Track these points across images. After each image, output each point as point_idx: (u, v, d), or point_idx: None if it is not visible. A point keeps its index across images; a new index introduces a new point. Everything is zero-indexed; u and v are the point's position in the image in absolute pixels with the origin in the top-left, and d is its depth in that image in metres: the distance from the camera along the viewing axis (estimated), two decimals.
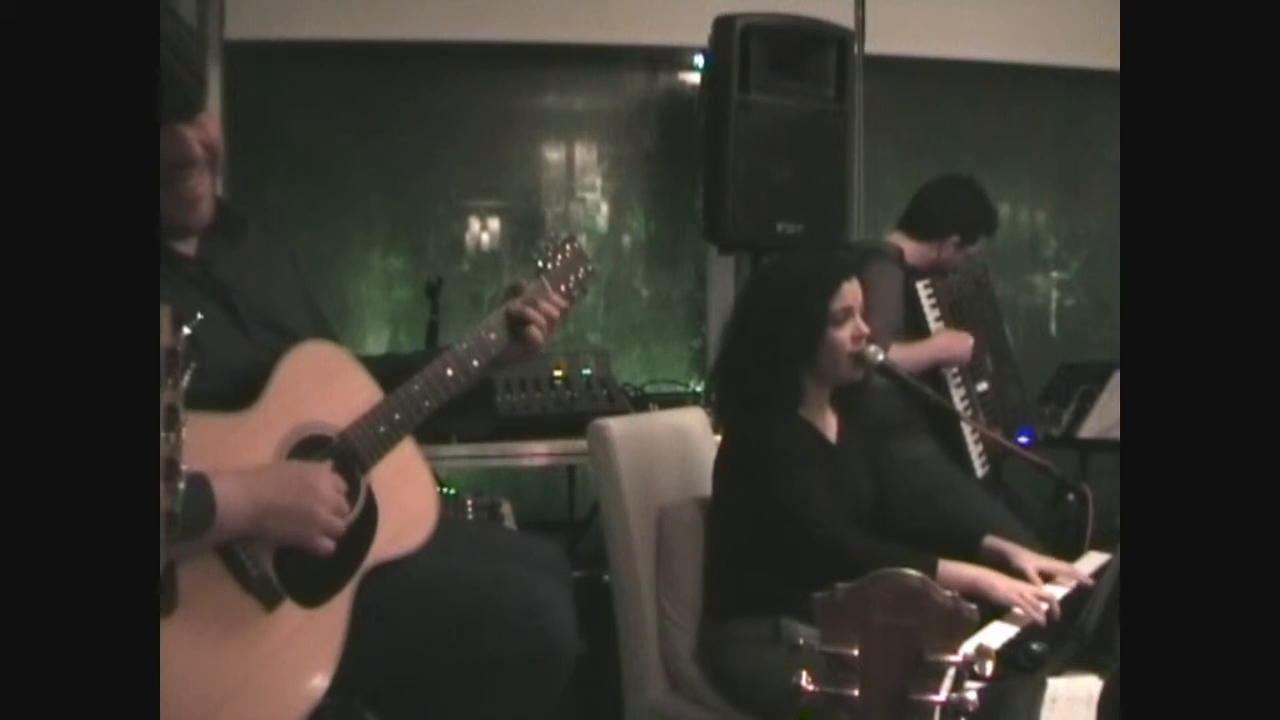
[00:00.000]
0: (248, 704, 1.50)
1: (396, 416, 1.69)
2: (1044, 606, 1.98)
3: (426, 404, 1.72)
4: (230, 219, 1.73)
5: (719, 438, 2.38)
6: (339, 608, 1.60)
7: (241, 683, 1.50)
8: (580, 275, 1.93)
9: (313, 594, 1.59)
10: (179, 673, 1.44)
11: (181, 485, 0.88)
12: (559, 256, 1.91)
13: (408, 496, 1.73)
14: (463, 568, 1.76)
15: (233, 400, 1.58)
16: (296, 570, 1.57)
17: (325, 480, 1.59)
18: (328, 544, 1.57)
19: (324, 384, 1.68)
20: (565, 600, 1.76)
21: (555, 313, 1.85)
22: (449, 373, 1.75)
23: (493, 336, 1.82)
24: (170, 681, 1.25)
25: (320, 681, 1.55)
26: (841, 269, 2.24)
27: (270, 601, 1.54)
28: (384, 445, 1.68)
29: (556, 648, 1.70)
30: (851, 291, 2.21)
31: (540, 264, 1.90)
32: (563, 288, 1.90)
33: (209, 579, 1.51)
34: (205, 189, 1.62)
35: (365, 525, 1.65)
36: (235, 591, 1.52)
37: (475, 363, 1.79)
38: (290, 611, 1.56)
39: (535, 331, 1.83)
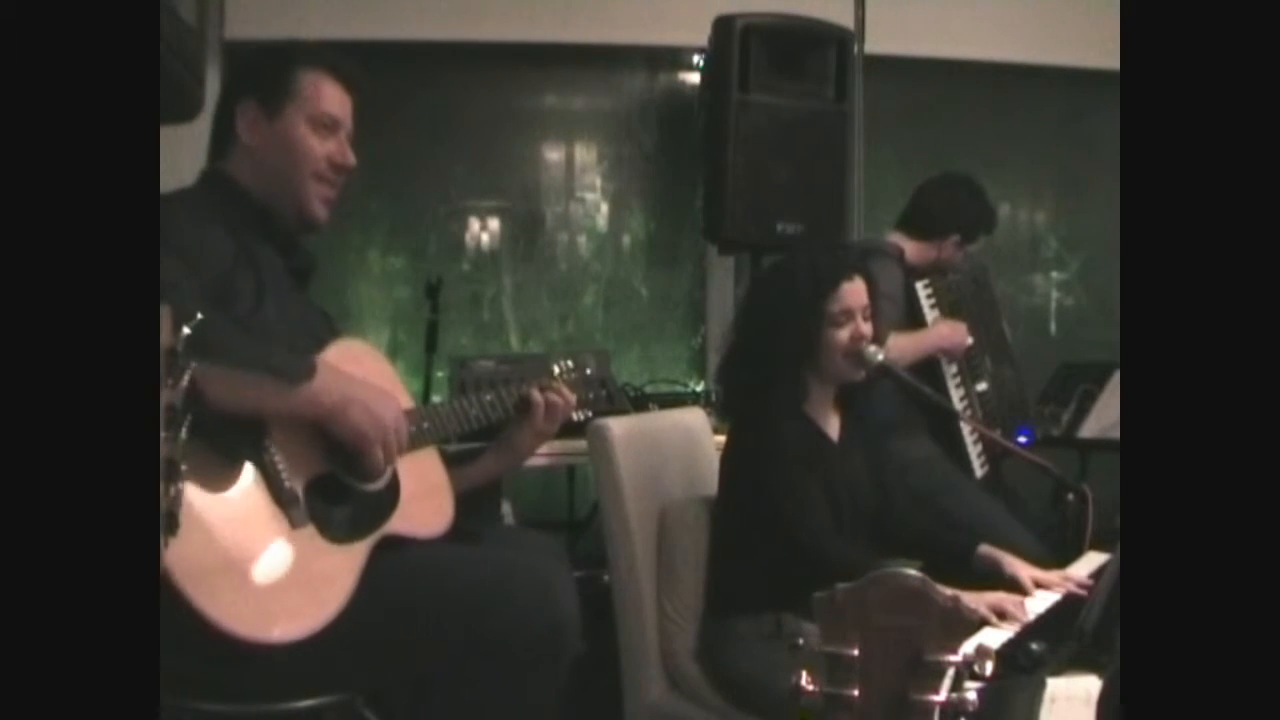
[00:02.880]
0: (257, 595, 1.58)
1: (425, 425, 1.87)
2: (1013, 610, 1.97)
3: (452, 426, 1.92)
4: (310, 261, 1.96)
5: (720, 437, 2.38)
6: (356, 555, 1.69)
7: (255, 575, 1.58)
8: (591, 397, 2.16)
9: (334, 532, 1.68)
10: (202, 539, 1.53)
11: (178, 488, 0.88)
12: (574, 375, 2.16)
13: (427, 492, 1.86)
14: (470, 553, 1.81)
15: None
16: (324, 506, 1.68)
17: (400, 409, 1.77)
18: (382, 457, 1.72)
19: (364, 374, 1.81)
20: (570, 583, 1.80)
21: (564, 402, 2.04)
22: (473, 412, 1.96)
23: (513, 399, 2.02)
24: (191, 542, 1.47)
25: (326, 612, 1.61)
26: (841, 269, 2.23)
27: (294, 517, 1.64)
28: (410, 444, 1.81)
29: (565, 631, 1.73)
30: (852, 292, 2.20)
31: (558, 369, 2.15)
32: (577, 395, 2.10)
33: (246, 480, 1.62)
34: (333, 199, 1.90)
35: (389, 496, 1.78)
36: (265, 500, 1.63)
37: (495, 413, 1.99)
38: (312, 536, 1.66)
39: (539, 407, 2.01)
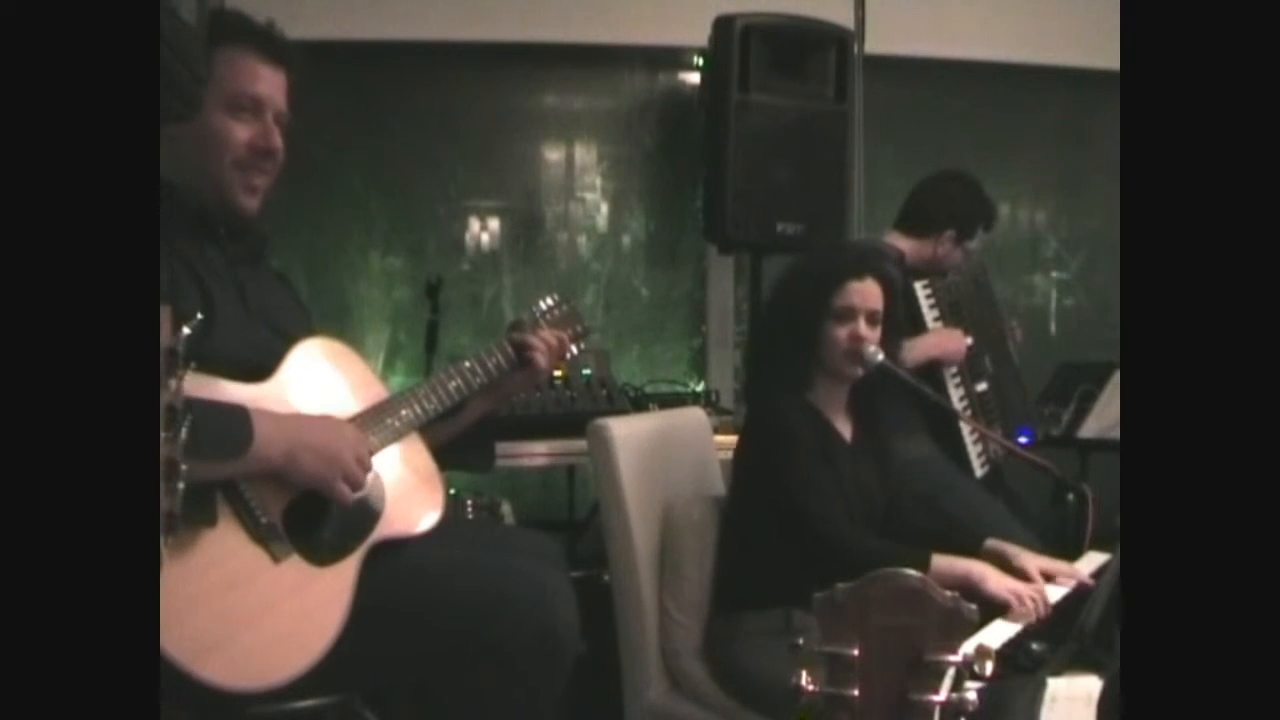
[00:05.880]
0: (253, 645, 1.53)
1: (403, 412, 1.81)
2: (1031, 604, 1.99)
3: (431, 405, 1.85)
4: (258, 240, 1.87)
5: (720, 437, 2.39)
6: (346, 572, 1.65)
7: (246, 624, 1.53)
8: (578, 330, 2.10)
9: (320, 554, 1.64)
10: (186, 601, 1.48)
11: (181, 483, 0.88)
12: (556, 310, 2.08)
13: (414, 483, 1.81)
14: (467, 559, 1.79)
15: (243, 378, 1.65)
16: (305, 529, 1.63)
17: (353, 432, 1.69)
18: (349, 492, 1.65)
19: (333, 374, 1.77)
20: (569, 589, 1.79)
21: (554, 343, 2.00)
22: (452, 384, 1.88)
23: (493, 360, 1.95)
24: (176, 608, 1.38)
25: (324, 640, 1.58)
26: (852, 266, 2.23)
27: (276, 550, 1.59)
28: (390, 436, 1.78)
29: (563, 636, 1.73)
30: (859, 291, 2.20)
31: (539, 309, 2.07)
32: (564, 333, 2.05)
33: (219, 523, 1.56)
34: (264, 186, 1.80)
35: (373, 501, 1.73)
36: (243, 539, 1.57)
37: (477, 379, 1.92)
38: (298, 565, 1.61)
39: (538, 356, 1.97)
